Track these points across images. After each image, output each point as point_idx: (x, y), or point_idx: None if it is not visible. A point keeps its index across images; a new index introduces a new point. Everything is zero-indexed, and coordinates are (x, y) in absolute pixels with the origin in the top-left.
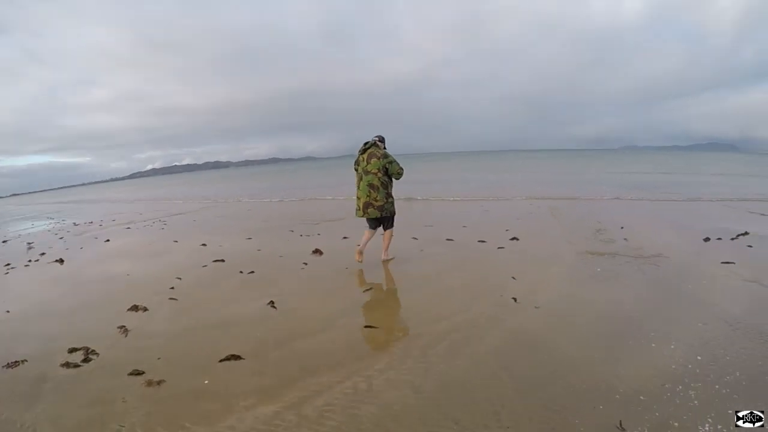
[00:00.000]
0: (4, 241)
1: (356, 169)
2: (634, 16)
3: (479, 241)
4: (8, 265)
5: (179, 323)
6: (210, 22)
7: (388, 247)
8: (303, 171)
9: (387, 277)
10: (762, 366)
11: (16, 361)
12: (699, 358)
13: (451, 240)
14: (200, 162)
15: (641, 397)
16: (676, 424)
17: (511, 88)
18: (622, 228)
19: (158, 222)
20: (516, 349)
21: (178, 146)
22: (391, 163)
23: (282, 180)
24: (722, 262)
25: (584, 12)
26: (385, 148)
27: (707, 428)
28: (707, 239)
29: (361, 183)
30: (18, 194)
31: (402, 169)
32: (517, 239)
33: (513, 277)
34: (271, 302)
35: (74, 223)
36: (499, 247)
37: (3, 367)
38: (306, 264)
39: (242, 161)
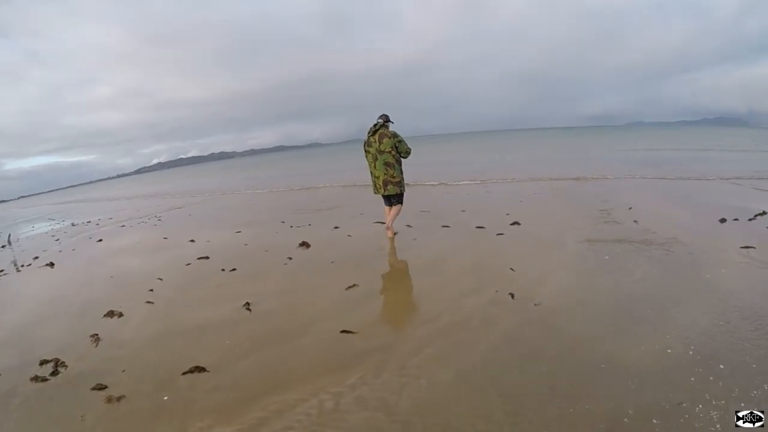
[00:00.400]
0: (2, 246)
1: (368, 151)
2: None
3: (477, 227)
4: (1, 271)
5: (150, 330)
6: (209, 14)
7: (393, 220)
8: (308, 158)
9: (372, 273)
10: None
11: None
12: (721, 366)
13: (447, 227)
14: (206, 153)
15: (654, 420)
16: None
17: (514, 66)
18: (630, 209)
19: (153, 218)
20: (510, 359)
21: (182, 139)
22: (400, 141)
23: (285, 168)
24: (741, 247)
25: None
26: (392, 122)
27: None
28: (723, 220)
29: (377, 162)
30: (25, 196)
31: (410, 148)
32: (519, 224)
33: (511, 269)
34: (247, 304)
35: (72, 224)
36: (498, 234)
37: None
38: (290, 259)
39: (248, 150)
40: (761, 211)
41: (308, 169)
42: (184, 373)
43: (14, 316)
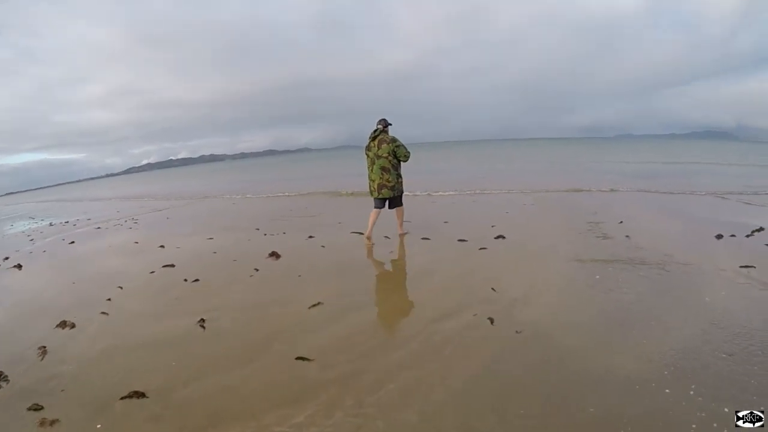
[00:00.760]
0: None
1: (368, 154)
2: (631, 6)
3: (460, 240)
4: None
5: (99, 345)
6: (203, 16)
7: (402, 222)
8: (297, 163)
9: (340, 289)
10: None
11: None
12: (725, 410)
13: (428, 239)
14: (196, 155)
15: None
16: None
17: (508, 77)
18: (621, 223)
19: (130, 221)
20: (485, 399)
21: (173, 140)
22: (398, 147)
23: (273, 173)
24: (741, 266)
25: (582, 2)
26: (390, 124)
27: None
28: (719, 236)
29: (374, 167)
30: (13, 193)
31: (409, 152)
32: (504, 237)
33: (492, 288)
34: (202, 320)
35: (51, 224)
36: (480, 248)
37: None
38: (257, 270)
39: (238, 154)
40: (758, 227)
41: (295, 175)
42: (122, 398)
43: None
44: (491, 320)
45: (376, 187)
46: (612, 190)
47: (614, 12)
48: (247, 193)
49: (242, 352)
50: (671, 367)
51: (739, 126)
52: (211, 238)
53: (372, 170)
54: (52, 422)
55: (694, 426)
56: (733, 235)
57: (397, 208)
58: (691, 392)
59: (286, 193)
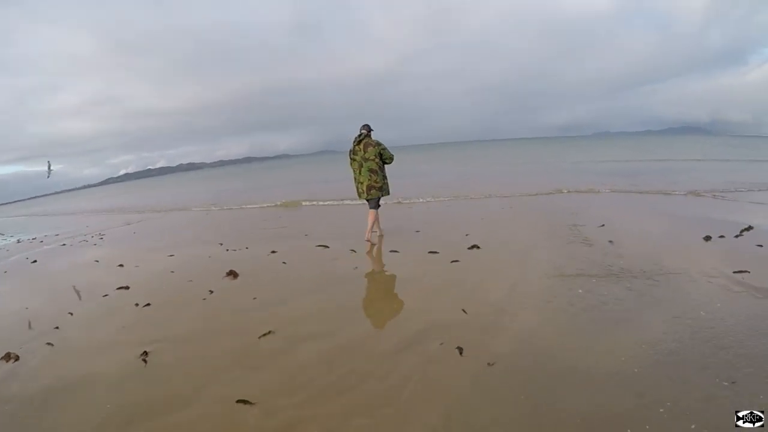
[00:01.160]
0: None
1: (354, 159)
2: (603, 6)
3: (430, 252)
4: None
5: (38, 382)
6: (176, 22)
7: (377, 223)
8: (274, 170)
9: (295, 314)
10: None
11: None
12: None
13: (396, 252)
14: (174, 164)
15: None
16: None
17: (482, 79)
18: (602, 226)
19: (97, 236)
20: None
21: (150, 150)
22: (384, 149)
23: (249, 180)
24: (734, 272)
25: (554, 2)
26: (372, 130)
27: None
28: (707, 238)
29: (362, 169)
30: None
31: (393, 155)
32: (478, 247)
33: (463, 310)
34: (145, 353)
35: (18, 240)
36: (452, 261)
37: None
38: (211, 292)
39: (217, 161)
40: (747, 226)
41: (270, 183)
42: None
43: None
44: (460, 350)
45: (365, 188)
46: (591, 191)
47: (587, 11)
48: (218, 203)
49: (181, 393)
50: (668, 402)
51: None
52: (171, 255)
53: (360, 173)
54: None
55: None
56: (721, 236)
57: (373, 210)
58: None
59: (257, 205)
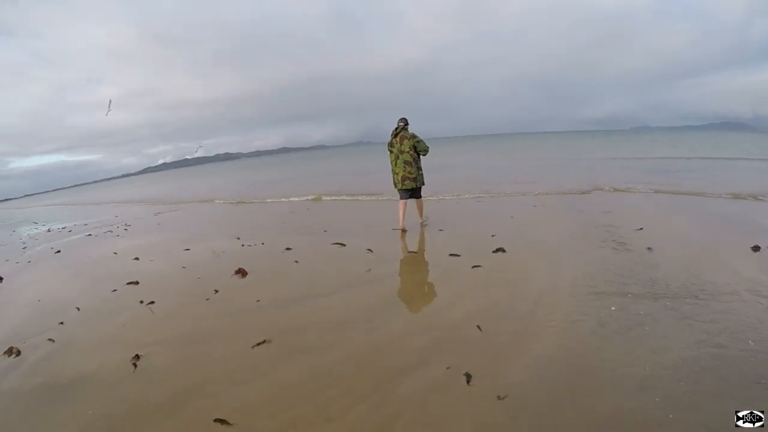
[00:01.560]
0: None
1: (391, 150)
2: None
3: (451, 255)
4: None
5: (34, 380)
6: (215, 15)
7: (422, 212)
8: (310, 161)
9: (295, 322)
10: None
11: None
12: None
13: (414, 252)
14: (211, 154)
15: None
16: None
17: (518, 69)
18: (641, 229)
19: (122, 227)
20: None
21: (188, 139)
22: (418, 142)
23: (284, 171)
24: None
25: None
26: (408, 124)
27: None
28: (756, 248)
29: (398, 161)
30: (30, 195)
31: (428, 147)
32: (503, 251)
33: (478, 327)
34: (136, 357)
35: (48, 230)
36: (474, 266)
37: None
38: (216, 292)
39: (253, 152)
40: None
41: (307, 173)
42: None
43: None
44: (468, 377)
45: (399, 179)
46: (629, 190)
47: (623, 1)
48: (246, 196)
49: (162, 405)
50: None
51: (756, 116)
52: (188, 249)
53: (396, 164)
54: None
55: None
56: None
57: (417, 200)
58: None
59: (284, 199)
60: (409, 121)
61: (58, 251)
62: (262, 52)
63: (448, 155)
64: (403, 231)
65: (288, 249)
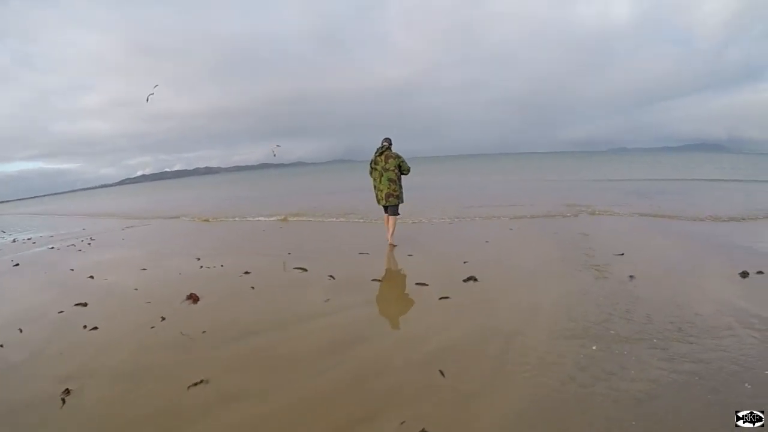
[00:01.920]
0: None
1: (375, 168)
2: (622, 21)
3: (418, 284)
4: None
5: None
6: (202, 28)
7: (394, 231)
8: (289, 177)
9: (239, 359)
10: None
11: None
12: None
13: (378, 281)
14: (191, 168)
15: None
16: None
17: (502, 92)
18: (622, 255)
19: (86, 241)
20: None
21: (168, 152)
22: (403, 161)
23: (263, 188)
24: None
25: (574, 18)
26: (392, 144)
27: None
28: (744, 274)
29: (382, 178)
30: (4, 201)
31: (410, 167)
32: (475, 279)
33: (441, 372)
34: (67, 391)
35: (13, 240)
36: (441, 297)
37: None
38: (163, 319)
39: (233, 167)
40: None
41: (284, 190)
42: None
43: None
44: None
45: (383, 196)
46: (608, 212)
47: (605, 27)
48: (218, 214)
49: None
50: None
51: (731, 138)
52: (144, 269)
53: (380, 182)
54: None
55: None
56: (760, 272)
57: (393, 216)
58: None
59: (259, 218)
60: (392, 141)
61: (17, 264)
62: (247, 68)
63: (430, 175)
64: (392, 246)
65: (246, 273)
